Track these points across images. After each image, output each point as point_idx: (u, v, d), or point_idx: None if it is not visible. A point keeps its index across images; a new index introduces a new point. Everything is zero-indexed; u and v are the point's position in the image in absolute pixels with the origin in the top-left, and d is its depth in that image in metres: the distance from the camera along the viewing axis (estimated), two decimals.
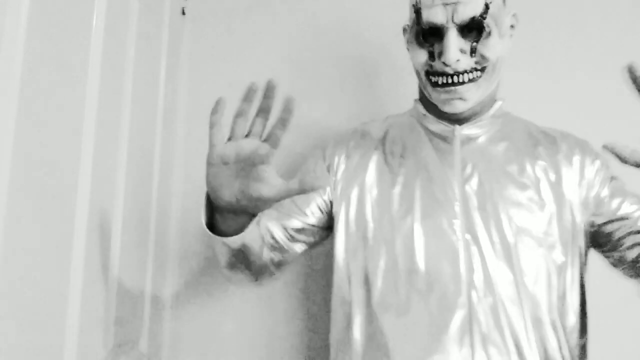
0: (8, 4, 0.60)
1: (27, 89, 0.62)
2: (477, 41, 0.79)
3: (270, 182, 0.66)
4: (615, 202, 0.82)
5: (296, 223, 0.87)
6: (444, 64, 0.78)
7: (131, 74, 0.94)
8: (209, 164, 0.67)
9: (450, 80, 0.79)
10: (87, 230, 0.78)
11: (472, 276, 0.76)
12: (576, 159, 0.85)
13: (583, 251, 0.83)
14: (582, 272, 0.83)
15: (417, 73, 0.85)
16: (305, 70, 1.25)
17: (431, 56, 0.81)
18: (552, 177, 0.82)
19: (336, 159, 0.90)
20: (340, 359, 0.82)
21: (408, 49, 0.86)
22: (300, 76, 1.25)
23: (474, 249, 0.77)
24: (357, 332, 0.80)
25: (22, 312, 0.64)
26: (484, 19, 0.78)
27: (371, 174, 0.86)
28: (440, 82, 0.80)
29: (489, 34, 0.79)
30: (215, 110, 0.67)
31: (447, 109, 0.82)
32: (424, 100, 0.90)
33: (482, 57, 0.79)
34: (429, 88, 0.83)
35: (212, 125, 0.67)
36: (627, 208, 0.82)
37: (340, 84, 1.24)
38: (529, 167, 0.83)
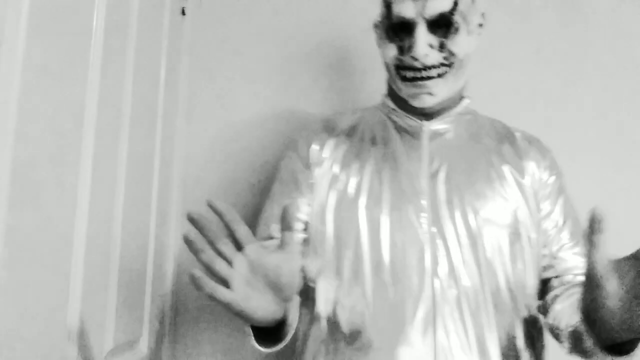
0: (8, 4, 0.60)
1: (27, 89, 0.62)
2: (445, 37, 0.80)
3: (281, 259, 0.61)
4: (549, 223, 0.85)
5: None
6: (413, 58, 0.79)
7: (131, 74, 0.94)
8: (239, 314, 0.59)
9: (419, 75, 0.81)
10: (87, 230, 0.78)
11: (436, 268, 0.78)
12: (534, 159, 0.87)
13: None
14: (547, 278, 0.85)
15: (387, 67, 0.87)
16: (306, 68, 1.25)
17: (401, 50, 0.82)
18: (515, 172, 0.85)
19: (311, 153, 0.90)
20: (308, 350, 0.83)
21: (378, 45, 0.88)
22: (301, 73, 1.25)
23: (439, 241, 0.79)
24: (324, 322, 0.82)
25: (23, 312, 0.64)
26: (453, 15, 0.79)
27: (339, 166, 0.87)
28: (409, 77, 0.82)
29: (457, 30, 0.80)
30: (199, 285, 0.55)
31: (415, 103, 0.84)
32: (392, 95, 0.91)
33: (450, 53, 0.81)
34: (399, 82, 0.85)
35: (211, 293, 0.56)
36: (556, 235, 0.85)
37: (339, 78, 1.24)
38: (494, 162, 0.85)
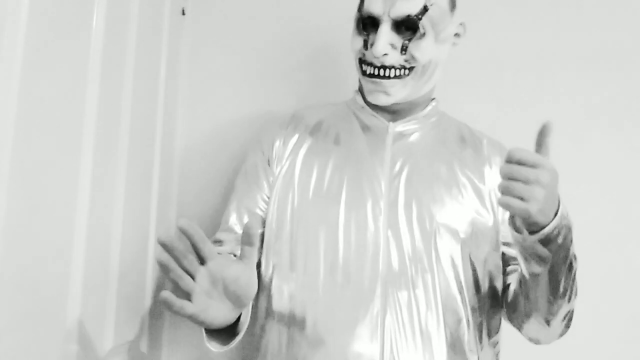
0: (8, 4, 0.60)
1: (27, 89, 0.62)
2: (409, 40, 0.80)
3: (240, 271, 0.65)
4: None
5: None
6: (373, 55, 0.80)
7: (131, 74, 0.94)
8: (200, 324, 0.65)
9: (377, 72, 0.82)
10: (87, 229, 0.78)
11: (389, 271, 0.78)
12: (498, 166, 0.87)
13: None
14: (506, 273, 0.86)
15: (355, 59, 0.88)
16: (310, 67, 1.25)
17: (365, 45, 0.83)
18: (475, 178, 0.85)
19: (274, 149, 0.90)
20: (264, 343, 0.84)
21: None
22: (305, 71, 1.25)
23: (393, 244, 0.79)
24: (279, 316, 0.82)
25: (23, 313, 0.64)
26: (420, 19, 0.79)
27: (300, 164, 0.87)
28: (368, 72, 0.83)
29: (423, 35, 0.80)
30: (171, 304, 0.61)
31: (371, 99, 0.85)
32: (362, 91, 0.91)
33: (412, 56, 0.81)
34: (360, 75, 0.86)
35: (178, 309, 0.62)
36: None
37: (344, 76, 1.24)
38: (455, 167, 0.85)
